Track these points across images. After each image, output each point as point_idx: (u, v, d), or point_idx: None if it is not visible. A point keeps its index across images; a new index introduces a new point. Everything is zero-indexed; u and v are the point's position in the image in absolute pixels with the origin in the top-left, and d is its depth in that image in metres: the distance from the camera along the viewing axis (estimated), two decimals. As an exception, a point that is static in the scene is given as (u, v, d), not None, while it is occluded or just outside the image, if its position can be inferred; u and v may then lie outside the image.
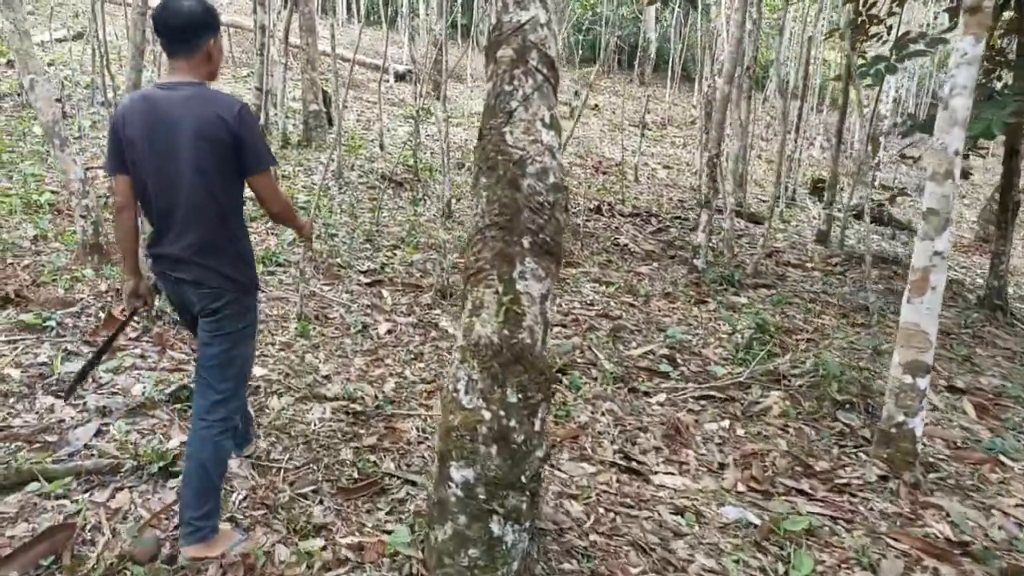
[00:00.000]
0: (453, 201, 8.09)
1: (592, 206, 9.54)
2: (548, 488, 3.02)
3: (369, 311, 4.99)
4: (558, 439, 3.53)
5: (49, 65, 10.52)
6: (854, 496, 3.32)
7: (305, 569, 2.34)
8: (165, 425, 3.12)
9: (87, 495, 2.60)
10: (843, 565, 2.74)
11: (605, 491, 3.12)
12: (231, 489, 2.72)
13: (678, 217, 9.99)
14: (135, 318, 2.74)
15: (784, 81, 12.26)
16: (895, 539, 2.97)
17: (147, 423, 3.12)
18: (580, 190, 10.34)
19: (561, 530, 2.73)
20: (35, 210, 5.77)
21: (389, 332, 4.69)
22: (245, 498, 2.70)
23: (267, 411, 3.41)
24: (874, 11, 8.34)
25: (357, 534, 2.55)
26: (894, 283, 8.08)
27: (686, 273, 7.19)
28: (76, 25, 13.14)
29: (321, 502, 2.73)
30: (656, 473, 3.35)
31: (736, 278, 6.99)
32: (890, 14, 8.46)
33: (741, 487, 3.29)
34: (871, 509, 3.21)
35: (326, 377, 3.88)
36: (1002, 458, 3.81)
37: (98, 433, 3.00)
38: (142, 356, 3.76)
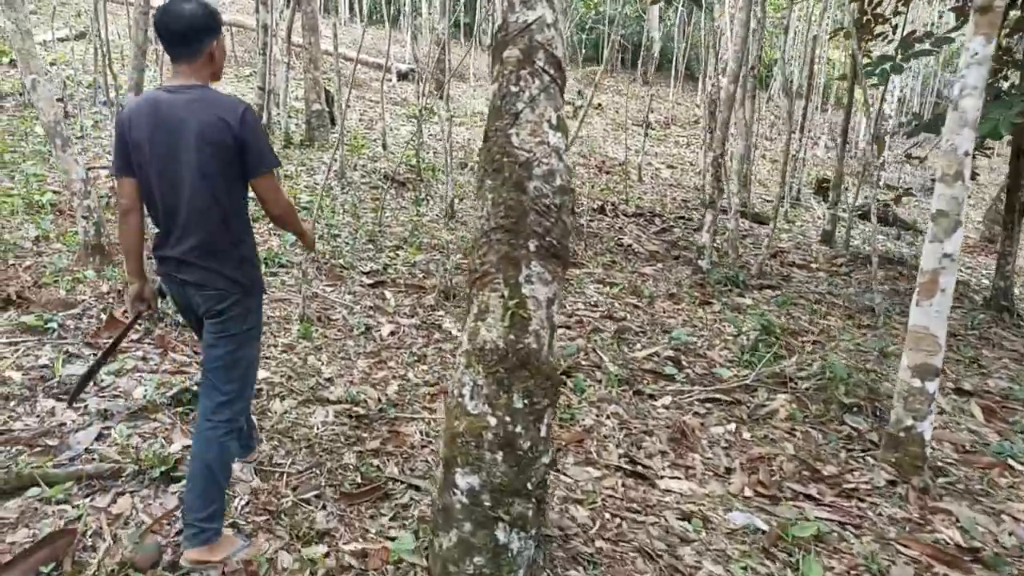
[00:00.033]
0: (456, 201, 8.06)
1: (596, 206, 9.51)
2: (553, 493, 2.99)
3: (372, 312, 4.96)
4: (563, 443, 3.49)
5: (51, 65, 10.50)
6: (862, 501, 3.28)
7: (308, 576, 2.32)
8: (167, 429, 3.09)
9: (88, 500, 2.57)
10: (852, 572, 2.71)
11: (611, 496, 3.09)
12: (233, 494, 2.69)
13: (682, 217, 9.95)
14: (139, 322, 2.71)
15: (788, 80, 12.20)
16: (904, 545, 2.93)
17: (149, 427, 3.09)
18: (583, 190, 10.30)
19: (567, 536, 2.70)
20: (37, 210, 5.75)
21: (392, 334, 4.66)
22: (247, 503, 2.67)
23: (269, 414, 3.38)
24: (879, 10, 8.30)
25: (360, 540, 2.52)
26: (899, 284, 8.04)
27: (690, 274, 7.15)
28: (78, 24, 13.13)
29: (324, 507, 2.70)
30: (662, 478, 3.32)
31: (741, 279, 6.95)
32: (895, 13, 8.42)
33: (748, 492, 3.26)
34: (880, 514, 3.17)
35: (329, 380, 3.85)
36: (1011, 462, 3.77)
37: (99, 437, 2.97)
38: (144, 358, 3.73)
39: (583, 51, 21.83)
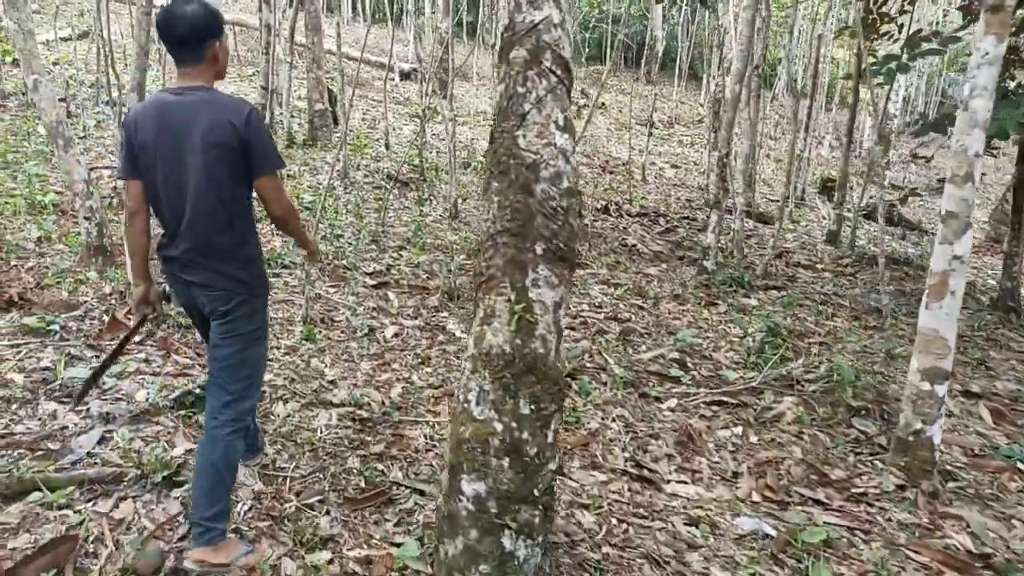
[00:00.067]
0: (459, 201, 8.03)
1: (599, 206, 9.47)
2: (559, 498, 2.96)
3: (375, 314, 4.94)
4: (568, 446, 3.46)
5: (54, 64, 10.49)
6: (871, 506, 3.25)
7: (312, 583, 2.29)
8: (169, 432, 3.06)
9: (90, 505, 2.55)
10: (862, 579, 2.68)
11: (617, 500, 3.06)
12: (237, 499, 2.67)
13: (686, 217, 9.91)
14: (143, 325, 2.70)
15: (793, 80, 12.15)
16: (914, 551, 2.90)
17: (151, 430, 3.07)
18: (587, 190, 10.27)
19: (573, 542, 2.67)
20: (39, 211, 5.73)
21: (396, 335, 4.63)
22: (250, 508, 2.64)
23: (273, 417, 3.35)
24: (885, 9, 8.25)
25: (365, 547, 2.49)
26: (905, 284, 8.00)
27: (695, 274, 7.12)
28: (81, 24, 13.12)
29: (328, 512, 2.67)
30: (669, 482, 3.29)
31: (746, 279, 6.91)
32: (901, 12, 8.37)
33: (756, 496, 3.23)
34: (889, 519, 3.14)
35: (332, 382, 3.82)
36: (1021, 466, 3.74)
37: (101, 440, 2.95)
38: (146, 360, 3.71)
39: (586, 50, 21.79)
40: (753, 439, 3.79)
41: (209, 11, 2.25)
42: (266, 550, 2.41)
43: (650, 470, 3.37)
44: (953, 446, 3.94)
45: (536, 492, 2.14)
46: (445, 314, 5.14)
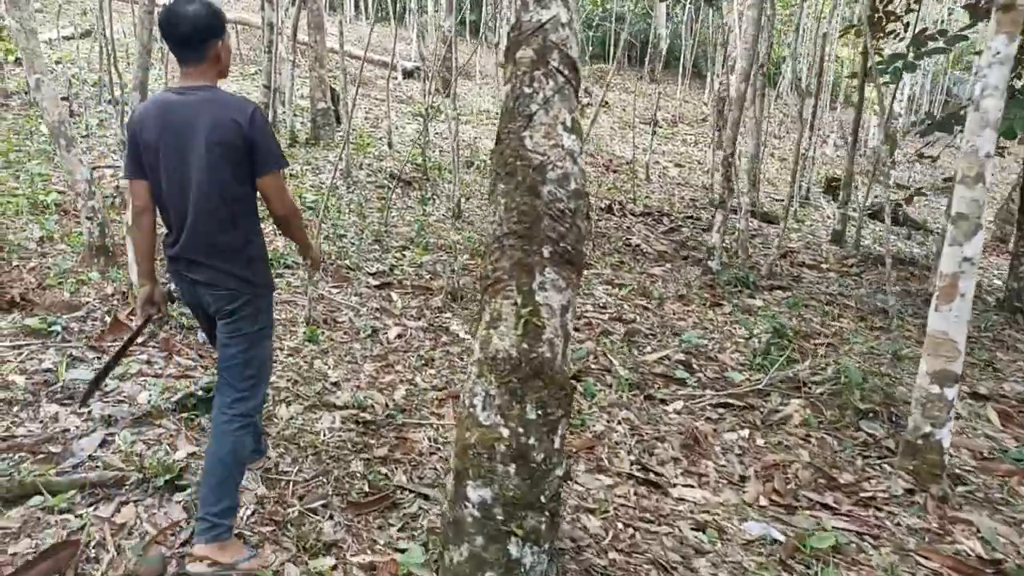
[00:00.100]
0: (462, 200, 8.00)
1: (603, 205, 9.43)
2: (565, 502, 2.93)
3: (378, 315, 4.91)
4: (574, 450, 3.43)
5: (57, 63, 10.48)
6: (880, 510, 3.21)
7: (315, 589, 2.26)
8: (171, 435, 3.03)
9: (91, 509, 2.52)
10: (872, 585, 2.64)
11: (623, 505, 3.03)
12: (239, 503, 2.64)
13: (690, 217, 9.86)
14: (147, 325, 2.69)
15: (799, 78, 12.09)
16: (924, 556, 2.86)
17: (153, 433, 3.04)
18: (591, 189, 10.22)
19: (579, 548, 2.64)
20: (41, 211, 5.71)
21: (399, 336, 4.60)
22: (253, 513, 2.61)
23: (276, 420, 3.33)
24: (891, 7, 8.20)
25: (368, 552, 2.46)
26: (911, 284, 7.95)
27: (700, 274, 7.08)
28: (84, 23, 13.10)
29: (331, 517, 2.64)
30: (675, 485, 3.26)
31: (751, 280, 6.87)
32: (908, 10, 8.32)
33: (763, 501, 3.19)
34: (898, 524, 3.10)
35: (335, 384, 3.80)
36: (1031, 470, 3.70)
37: (103, 443, 2.92)
38: (148, 362, 3.68)
39: (590, 48, 21.73)
40: (760, 442, 3.75)
41: (211, 10, 2.25)
42: (269, 556, 2.38)
43: (656, 474, 3.34)
44: (962, 449, 3.90)
45: (543, 498, 2.11)
46: (448, 315, 5.11)
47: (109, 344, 3.78)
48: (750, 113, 9.57)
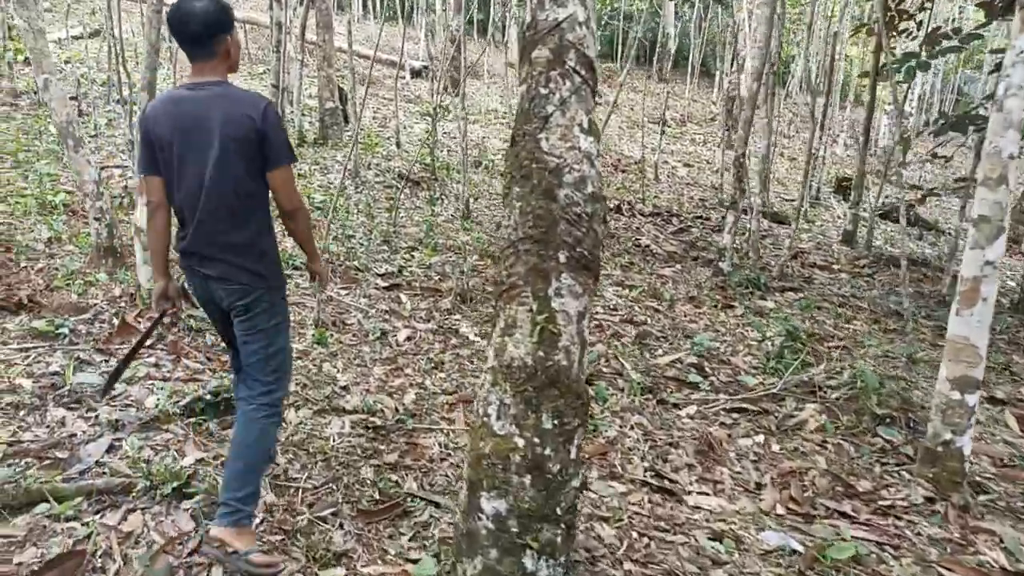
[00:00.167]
0: (471, 200, 7.95)
1: (612, 205, 9.36)
2: (579, 511, 2.87)
3: (387, 317, 4.86)
4: (586, 456, 3.37)
5: (66, 63, 10.48)
6: (899, 519, 3.14)
7: (325, 601, 2.21)
8: (179, 441, 2.99)
9: (98, 517, 2.48)
10: (894, 598, 2.58)
11: (637, 513, 2.97)
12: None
13: (699, 217, 9.79)
14: (163, 320, 2.68)
15: (811, 77, 11.98)
16: (947, 568, 2.79)
17: (161, 438, 3.00)
18: (600, 189, 10.14)
19: (594, 558, 2.59)
20: (50, 211, 5.69)
21: (408, 339, 4.55)
22: (262, 521, 2.57)
23: (284, 425, 3.28)
24: (903, 6, 8.10)
25: (379, 563, 2.42)
26: (923, 286, 7.86)
27: (710, 276, 7.01)
28: (93, 23, 13.11)
29: (341, 526, 2.60)
30: (690, 493, 3.20)
31: (762, 281, 6.79)
32: (921, 8, 8.22)
33: (780, 509, 3.13)
34: (919, 534, 3.03)
35: (344, 388, 3.75)
36: (1053, 478, 3.62)
37: (110, 449, 2.88)
38: (156, 365, 3.64)
39: (598, 47, 21.63)
40: (775, 448, 3.69)
41: (219, 6, 2.25)
42: (281, 564, 2.34)
43: (671, 480, 3.28)
44: (981, 456, 3.83)
45: (559, 510, 2.06)
46: (458, 317, 5.06)
47: (117, 347, 3.74)
48: (761, 112, 9.47)
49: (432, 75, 14.87)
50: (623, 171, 11.77)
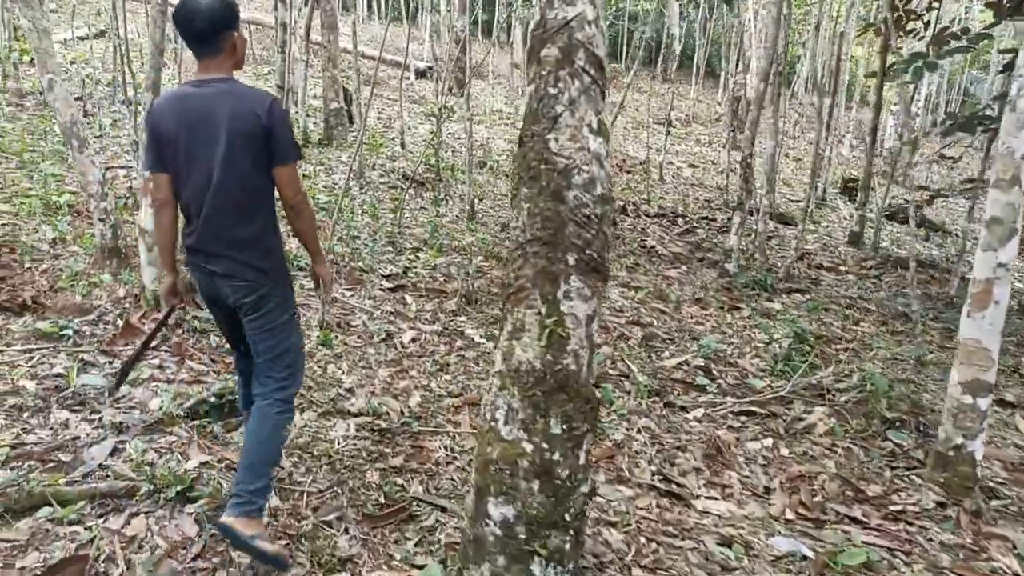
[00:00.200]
0: (476, 201, 7.92)
1: (617, 206, 9.32)
2: (587, 516, 2.84)
3: (392, 318, 4.84)
4: (593, 459, 3.34)
5: (71, 63, 10.49)
6: (911, 525, 3.10)
7: (330, 607, 2.19)
8: (183, 443, 2.97)
9: (101, 521, 2.46)
10: (907, 605, 2.54)
11: (645, 517, 2.94)
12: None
13: (705, 218, 9.75)
14: (172, 314, 2.69)
15: (818, 78, 11.92)
16: (959, 574, 2.75)
17: (165, 441, 2.98)
18: (605, 190, 10.11)
19: (601, 564, 2.55)
20: (54, 212, 5.67)
21: (413, 341, 4.53)
22: (267, 525, 2.53)
23: (289, 427, 3.25)
24: (910, 6, 8.05)
25: (385, 568, 2.39)
26: (931, 287, 7.81)
27: (716, 277, 6.97)
28: (98, 23, 13.13)
29: (346, 531, 2.57)
30: (698, 497, 3.16)
31: (768, 282, 6.75)
32: (928, 8, 8.17)
33: (790, 514, 3.09)
34: (930, 540, 2.99)
35: (349, 390, 3.72)
36: (1066, 483, 3.58)
37: (114, 451, 2.86)
38: (160, 367, 3.62)
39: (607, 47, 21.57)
40: (784, 452, 3.65)
41: (224, 3, 2.25)
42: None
43: (679, 485, 3.25)
44: (992, 460, 3.78)
45: (567, 517, 2.02)
46: (463, 318, 5.03)
47: (121, 348, 3.72)
48: (767, 113, 9.43)
49: (437, 76, 14.85)
50: (628, 172, 11.73)
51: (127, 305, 4.20)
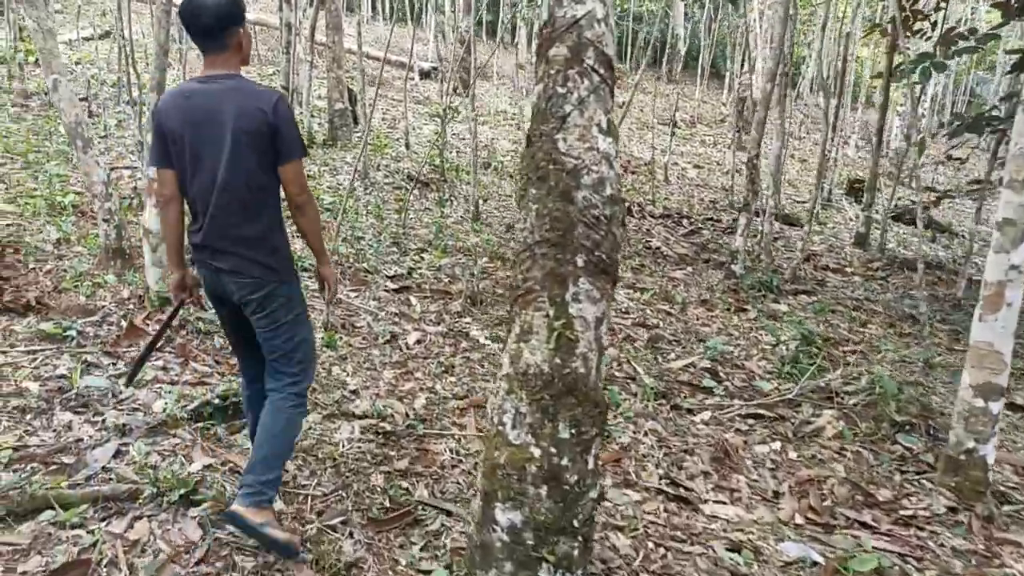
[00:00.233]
0: (480, 202, 7.90)
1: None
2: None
3: (397, 319, 4.81)
4: (600, 462, 3.31)
5: (76, 64, 10.49)
6: (921, 530, 3.07)
7: (335, 613, 2.16)
8: (187, 446, 2.95)
9: (104, 524, 2.43)
10: (919, 612, 2.51)
11: (653, 522, 2.91)
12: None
13: (710, 218, 9.71)
14: (181, 309, 2.74)
15: (824, 78, 11.87)
16: (972, 581, 2.72)
17: (168, 443, 2.95)
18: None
19: (609, 569, 2.52)
20: (59, 212, 5.66)
21: (418, 342, 4.50)
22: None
23: (293, 430, 3.23)
24: (917, 6, 8.00)
25: (390, 573, 2.36)
26: (938, 289, 7.76)
27: (722, 278, 6.93)
28: (104, 24, 13.14)
29: (351, 535, 2.54)
30: (706, 502, 3.13)
31: (775, 284, 6.71)
32: (936, 8, 8.12)
33: (799, 519, 3.06)
34: (942, 545, 2.96)
35: (354, 392, 3.70)
36: (1078, 487, 3.54)
37: (117, 454, 2.83)
38: (164, 368, 3.60)
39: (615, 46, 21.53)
40: (792, 455, 3.62)
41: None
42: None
43: (686, 489, 3.22)
44: (1004, 464, 3.74)
45: (576, 522, 1.99)
46: (468, 320, 5.00)
47: (124, 349, 3.70)
48: (774, 114, 9.39)
49: (441, 76, 14.84)
50: (633, 172, 11.68)
51: (131, 306, 4.19)
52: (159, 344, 2.99)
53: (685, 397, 4.19)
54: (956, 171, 15.34)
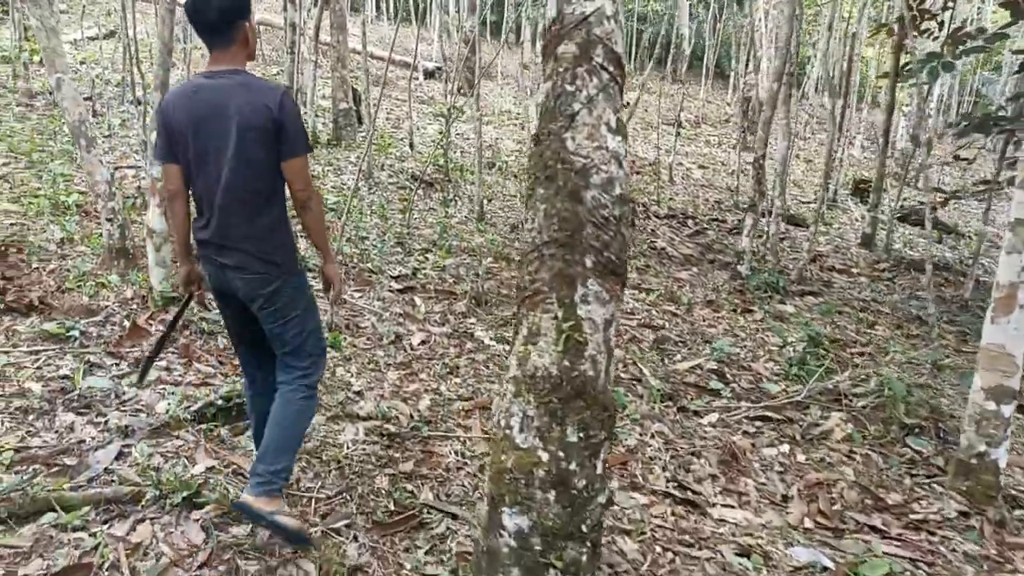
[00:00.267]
0: (485, 202, 7.87)
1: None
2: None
3: (402, 320, 4.78)
4: (607, 465, 3.27)
5: (81, 63, 10.49)
6: (932, 534, 3.03)
7: (339, 618, 2.13)
8: (190, 448, 2.92)
9: (106, 527, 2.41)
10: (931, 619, 2.47)
11: (660, 526, 2.87)
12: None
13: (715, 219, 9.66)
14: (191, 302, 2.73)
15: (831, 79, 11.81)
16: (985, 587, 2.68)
17: (171, 445, 2.93)
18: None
19: (616, 574, 2.49)
20: (63, 211, 5.65)
21: (423, 343, 4.47)
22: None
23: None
24: (924, 6, 7.95)
25: (395, 578, 2.33)
26: (945, 290, 7.71)
27: (728, 279, 6.90)
28: (108, 23, 13.14)
29: (355, 538, 2.51)
30: (714, 505, 3.09)
31: (781, 285, 6.67)
32: (944, 7, 8.07)
33: (808, 523, 3.02)
34: (953, 550, 2.92)
35: (358, 393, 3.67)
36: (1091, 492, 3.49)
37: (119, 456, 2.81)
38: (167, 369, 3.57)
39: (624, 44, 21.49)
40: (801, 458, 3.58)
41: None
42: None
43: (694, 492, 3.18)
44: (1015, 468, 3.70)
45: (584, 528, 1.96)
46: (473, 320, 4.97)
47: (127, 350, 3.68)
48: (779, 114, 9.34)
49: (446, 76, 14.82)
50: (637, 172, 11.64)
51: (134, 306, 4.17)
52: (171, 336, 2.99)
53: (692, 399, 4.15)
54: (963, 172, 15.27)
